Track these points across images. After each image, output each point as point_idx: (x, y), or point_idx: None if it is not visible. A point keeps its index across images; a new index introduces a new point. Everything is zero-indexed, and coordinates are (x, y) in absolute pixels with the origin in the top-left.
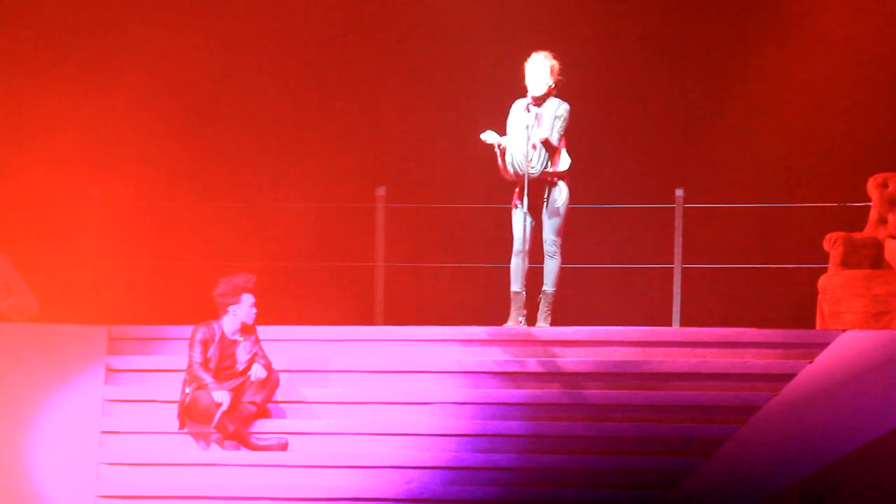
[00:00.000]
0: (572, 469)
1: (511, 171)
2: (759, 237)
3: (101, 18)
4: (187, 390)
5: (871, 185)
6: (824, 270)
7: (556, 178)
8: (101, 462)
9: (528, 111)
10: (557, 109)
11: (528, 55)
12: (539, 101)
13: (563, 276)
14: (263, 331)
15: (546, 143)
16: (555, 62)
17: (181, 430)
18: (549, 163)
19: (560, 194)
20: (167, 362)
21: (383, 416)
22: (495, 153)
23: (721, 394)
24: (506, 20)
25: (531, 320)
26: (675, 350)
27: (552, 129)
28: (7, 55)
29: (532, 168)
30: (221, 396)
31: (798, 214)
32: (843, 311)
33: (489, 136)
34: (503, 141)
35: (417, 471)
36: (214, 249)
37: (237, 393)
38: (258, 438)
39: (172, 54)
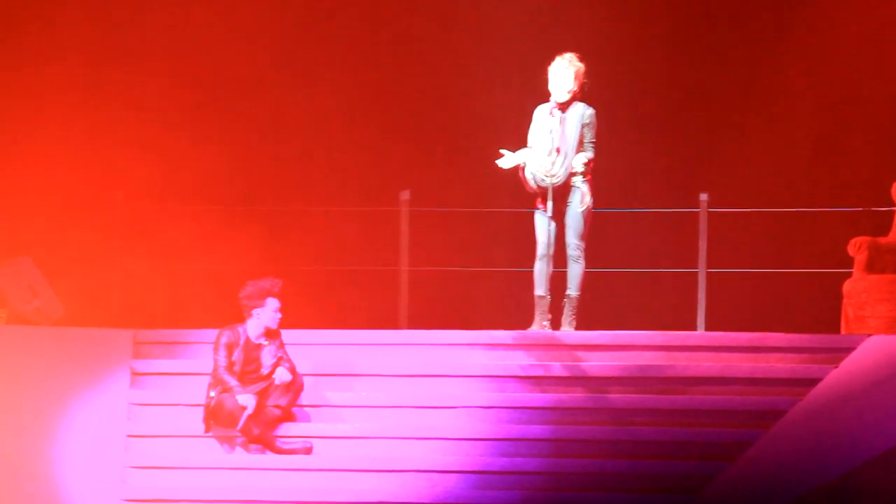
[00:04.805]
0: (597, 473)
1: (533, 185)
2: (784, 241)
3: (127, 18)
4: (212, 394)
5: None
6: (849, 275)
7: (578, 182)
8: (127, 465)
9: (552, 115)
10: (584, 116)
11: (552, 57)
12: (563, 106)
13: (587, 280)
14: (288, 334)
15: (588, 163)
16: (580, 65)
17: (206, 434)
18: (573, 166)
19: (583, 198)
20: (192, 366)
21: (408, 420)
22: (516, 171)
23: (746, 398)
24: (529, 22)
25: (555, 324)
26: (699, 354)
27: (584, 139)
28: (32, 57)
29: (554, 178)
30: (246, 400)
31: (823, 219)
32: (868, 315)
33: (507, 161)
34: (521, 159)
35: (442, 475)
36: (239, 253)
37: (262, 396)
38: (283, 442)
39: (198, 57)
